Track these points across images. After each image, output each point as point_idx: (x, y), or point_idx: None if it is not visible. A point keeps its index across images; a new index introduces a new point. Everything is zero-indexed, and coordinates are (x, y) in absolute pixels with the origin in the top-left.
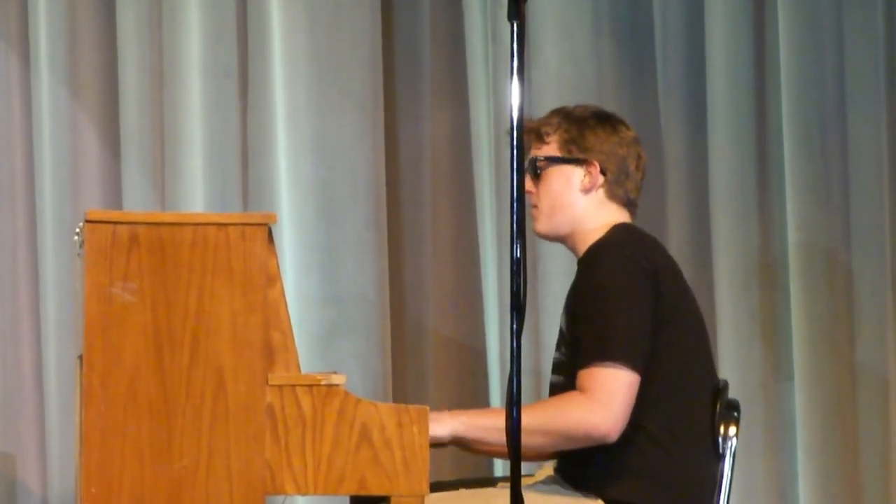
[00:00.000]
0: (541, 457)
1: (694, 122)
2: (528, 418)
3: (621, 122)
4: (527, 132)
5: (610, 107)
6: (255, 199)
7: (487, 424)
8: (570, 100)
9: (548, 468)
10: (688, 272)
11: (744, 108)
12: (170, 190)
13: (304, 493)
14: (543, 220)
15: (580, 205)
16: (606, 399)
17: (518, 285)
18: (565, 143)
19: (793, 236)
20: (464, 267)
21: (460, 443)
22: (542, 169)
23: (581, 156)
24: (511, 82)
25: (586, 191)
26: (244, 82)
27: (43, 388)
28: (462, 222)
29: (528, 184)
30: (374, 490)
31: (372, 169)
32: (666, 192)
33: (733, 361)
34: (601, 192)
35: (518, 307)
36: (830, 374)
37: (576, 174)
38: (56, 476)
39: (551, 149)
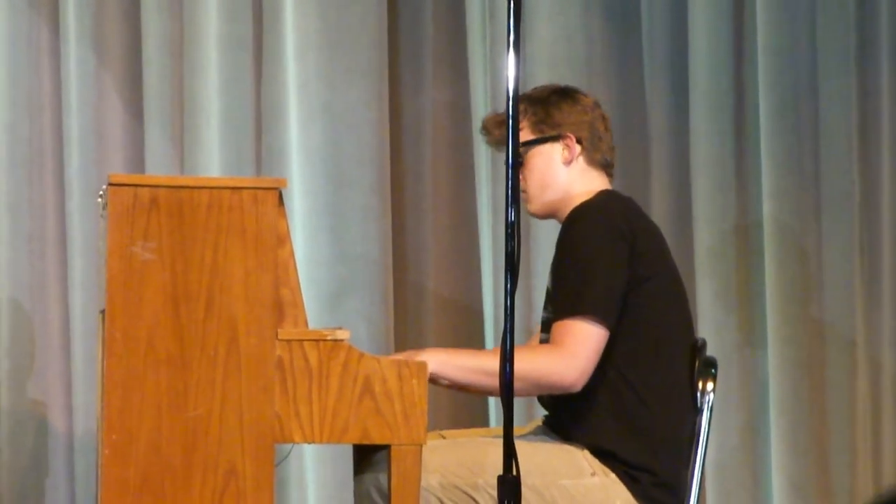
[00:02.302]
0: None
1: (676, 96)
2: (498, 361)
3: (578, 92)
4: (497, 125)
5: (599, 81)
6: (268, 164)
7: (461, 364)
8: (562, 73)
9: (537, 421)
10: (669, 238)
11: (723, 85)
12: (188, 155)
13: (311, 442)
14: (535, 201)
15: (564, 177)
16: (574, 351)
17: (512, 248)
18: (536, 125)
19: (767, 205)
20: (462, 230)
21: (436, 380)
22: (522, 155)
23: (553, 132)
24: (508, 56)
25: (568, 162)
26: (258, 55)
27: (69, 341)
28: (460, 188)
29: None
30: (376, 439)
31: (377, 137)
32: (649, 162)
33: (711, 322)
34: (581, 161)
35: (512, 268)
36: (801, 334)
37: (555, 150)
38: (81, 423)
39: (525, 134)
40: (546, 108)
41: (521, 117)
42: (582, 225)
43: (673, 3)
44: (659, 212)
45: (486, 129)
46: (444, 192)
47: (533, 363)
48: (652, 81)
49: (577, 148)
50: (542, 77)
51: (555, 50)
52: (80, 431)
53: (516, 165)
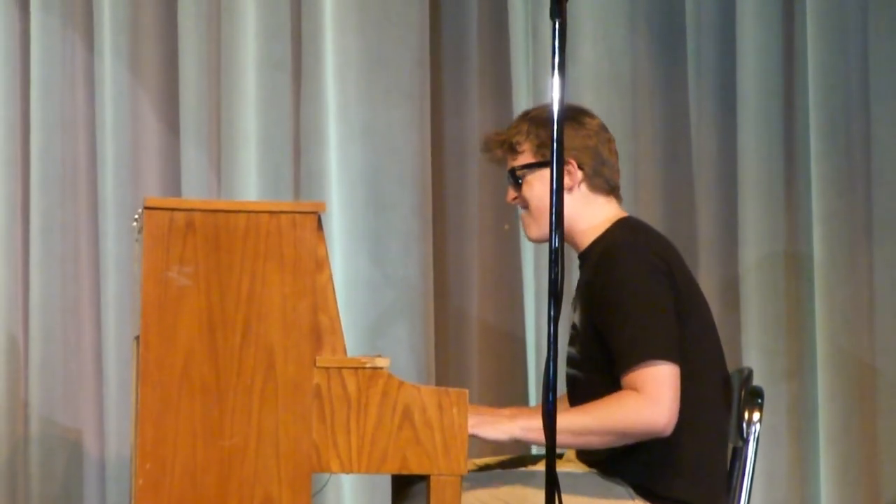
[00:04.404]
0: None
1: (724, 117)
2: (586, 419)
3: (585, 113)
4: (499, 145)
5: (644, 103)
6: (307, 187)
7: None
8: (606, 95)
9: (570, 453)
10: (715, 263)
11: (772, 104)
12: (225, 176)
13: (349, 472)
14: (534, 227)
15: (567, 205)
16: (658, 395)
17: (556, 274)
18: (538, 149)
19: (817, 229)
20: (505, 255)
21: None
22: (521, 178)
23: None
24: (552, 78)
25: (569, 189)
26: (297, 75)
27: (102, 368)
28: (503, 212)
29: (512, 193)
30: (415, 469)
31: (418, 159)
32: (696, 185)
33: (759, 349)
34: (584, 187)
35: (556, 295)
36: (851, 362)
37: None
38: (113, 450)
39: (526, 157)
40: (549, 130)
41: (522, 139)
42: (621, 266)
43: (720, 22)
44: (705, 235)
45: (487, 147)
46: (486, 215)
47: (618, 415)
48: (699, 103)
49: (579, 174)
50: (587, 99)
51: (599, 71)
52: (114, 459)
53: (560, 191)
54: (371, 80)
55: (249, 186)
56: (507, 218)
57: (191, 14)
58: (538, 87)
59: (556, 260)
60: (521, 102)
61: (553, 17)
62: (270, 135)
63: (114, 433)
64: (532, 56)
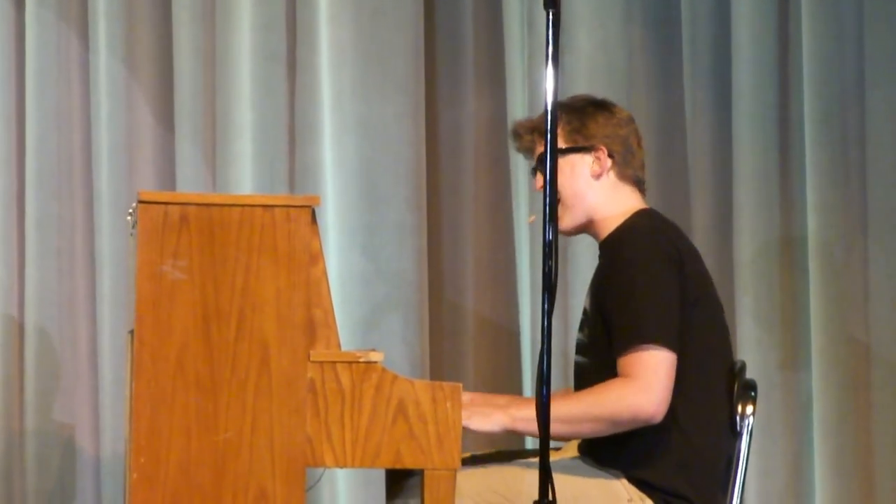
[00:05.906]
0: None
1: (719, 108)
2: (575, 407)
3: (615, 105)
4: (529, 131)
5: (639, 93)
6: (301, 180)
7: (534, 416)
8: (601, 85)
9: (572, 444)
10: (710, 255)
11: (767, 95)
12: (220, 169)
13: (343, 466)
14: (565, 217)
15: (594, 192)
16: (648, 381)
17: (550, 267)
18: (570, 134)
19: (811, 220)
20: (499, 248)
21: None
22: None
23: (587, 143)
24: (546, 68)
25: (597, 176)
26: (292, 67)
27: (97, 362)
28: (498, 204)
29: (542, 181)
30: (409, 463)
31: (413, 152)
32: (690, 175)
33: (753, 342)
34: (612, 175)
35: (549, 288)
36: (846, 355)
37: (585, 162)
38: (108, 445)
39: (558, 142)
40: (582, 118)
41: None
42: (631, 250)
43: (716, 13)
44: (699, 226)
45: (516, 134)
46: (481, 208)
47: (606, 402)
48: (694, 93)
49: (609, 162)
50: (581, 89)
51: (594, 61)
52: (108, 454)
53: (554, 184)
54: (366, 73)
55: (244, 179)
56: (501, 211)
57: (185, 6)
58: (533, 78)
59: (549, 253)
60: (516, 94)
61: (547, 7)
62: (265, 127)
63: (108, 428)
64: (527, 47)
